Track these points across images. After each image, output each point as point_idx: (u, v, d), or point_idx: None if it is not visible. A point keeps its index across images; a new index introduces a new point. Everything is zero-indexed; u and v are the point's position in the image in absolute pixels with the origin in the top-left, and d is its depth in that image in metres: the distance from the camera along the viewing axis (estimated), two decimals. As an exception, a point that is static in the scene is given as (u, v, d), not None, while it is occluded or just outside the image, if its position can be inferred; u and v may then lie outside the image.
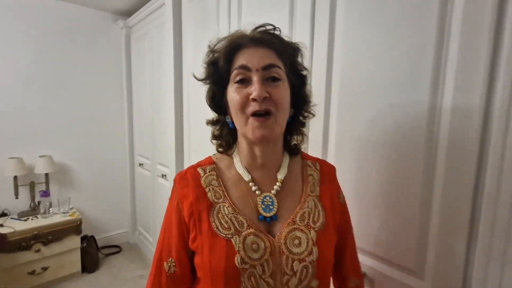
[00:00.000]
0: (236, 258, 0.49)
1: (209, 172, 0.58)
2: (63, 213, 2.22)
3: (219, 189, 0.56)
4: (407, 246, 0.77)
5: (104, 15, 2.50)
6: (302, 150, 0.65)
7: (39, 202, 2.21)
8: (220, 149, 0.61)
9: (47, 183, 2.25)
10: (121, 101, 2.68)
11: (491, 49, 0.60)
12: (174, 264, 0.56)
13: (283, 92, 0.52)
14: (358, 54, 0.84)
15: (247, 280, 0.49)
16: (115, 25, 2.56)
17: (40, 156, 2.18)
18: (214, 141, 0.61)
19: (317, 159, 0.65)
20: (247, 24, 0.56)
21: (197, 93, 1.53)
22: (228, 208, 0.53)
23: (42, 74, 2.24)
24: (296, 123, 0.59)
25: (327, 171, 0.62)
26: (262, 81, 0.50)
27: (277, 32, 0.54)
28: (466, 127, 0.64)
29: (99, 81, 2.53)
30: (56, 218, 2.14)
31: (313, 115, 0.61)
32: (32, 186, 2.20)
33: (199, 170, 0.58)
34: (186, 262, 0.56)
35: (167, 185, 2.09)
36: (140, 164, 2.55)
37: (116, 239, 2.75)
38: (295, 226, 0.52)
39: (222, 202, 0.54)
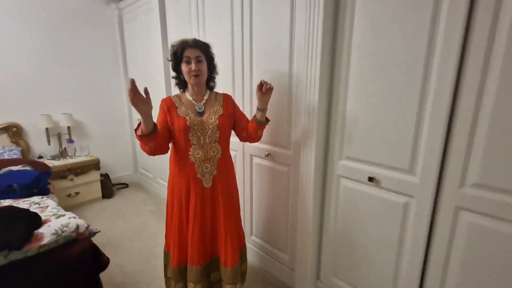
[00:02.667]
0: (187, 122, 1.33)
1: (175, 97, 1.40)
2: (85, 155, 3.01)
3: (180, 103, 1.38)
4: (284, 136, 1.64)
5: (98, -2, 3.08)
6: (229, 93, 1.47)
7: (65, 148, 2.98)
8: (180, 90, 1.44)
9: (69, 134, 3.00)
10: (118, 70, 3.35)
11: (307, 38, 1.41)
12: (157, 127, 1.38)
13: (204, 67, 1.33)
14: (263, 41, 1.63)
15: (192, 131, 1.32)
16: (108, 7, 3.15)
17: (63, 114, 2.90)
18: (177, 87, 1.44)
19: (223, 94, 1.47)
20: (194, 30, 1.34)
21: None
22: (183, 108, 1.36)
23: (55, 49, 2.88)
24: (211, 78, 1.43)
25: (226, 97, 1.46)
26: (196, 63, 1.29)
27: (201, 40, 1.35)
28: (302, 73, 1.48)
29: (99, 54, 3.18)
30: (80, 158, 2.93)
31: (218, 73, 1.45)
32: (59, 136, 2.95)
33: (171, 97, 1.41)
34: (165, 128, 1.37)
35: (161, 132, 2.89)
36: (138, 120, 3.31)
37: (123, 178, 3.59)
38: (210, 114, 1.36)
39: (181, 106, 1.37)
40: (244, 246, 1.60)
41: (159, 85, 2.69)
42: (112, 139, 3.44)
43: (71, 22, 2.93)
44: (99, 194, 3.09)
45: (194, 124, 1.34)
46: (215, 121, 1.36)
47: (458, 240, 1.10)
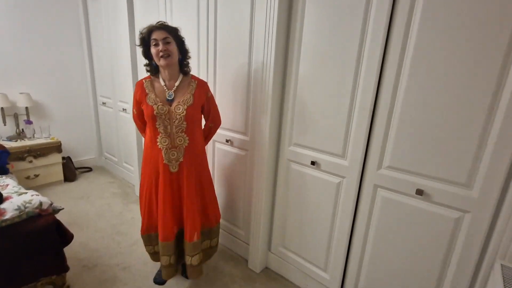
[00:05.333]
0: (154, 112, 1.41)
1: (147, 82, 1.47)
2: (45, 137, 2.94)
3: (151, 89, 1.45)
4: (242, 124, 1.80)
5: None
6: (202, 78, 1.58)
7: (23, 129, 2.88)
8: (152, 75, 1.49)
9: (27, 115, 2.90)
10: (81, 51, 3.26)
11: (265, 35, 1.57)
12: (135, 111, 1.51)
13: (172, 47, 1.36)
14: (227, 34, 1.76)
15: (159, 119, 1.41)
16: (71, -16, 3.03)
17: (20, 93, 2.79)
18: (148, 73, 1.50)
19: (198, 79, 1.52)
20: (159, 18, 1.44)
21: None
22: (153, 96, 1.44)
23: (12, 24, 2.74)
24: (184, 62, 1.49)
25: (200, 85, 1.51)
26: (163, 44, 1.34)
27: (167, 23, 1.41)
28: (259, 68, 1.64)
29: (61, 31, 3.07)
30: (40, 140, 2.86)
31: (190, 57, 1.51)
32: (16, 116, 2.84)
33: (144, 81, 1.48)
34: (140, 112, 1.50)
35: (128, 116, 2.91)
36: (103, 103, 3.28)
37: (86, 162, 3.55)
38: (179, 103, 1.41)
39: (151, 93, 1.44)
40: (215, 224, 1.71)
41: (125, 67, 2.70)
42: (75, 122, 3.36)
43: (29, -3, 2.79)
44: (61, 177, 3.05)
45: (161, 113, 1.40)
46: (183, 112, 1.41)
47: (375, 211, 1.37)
